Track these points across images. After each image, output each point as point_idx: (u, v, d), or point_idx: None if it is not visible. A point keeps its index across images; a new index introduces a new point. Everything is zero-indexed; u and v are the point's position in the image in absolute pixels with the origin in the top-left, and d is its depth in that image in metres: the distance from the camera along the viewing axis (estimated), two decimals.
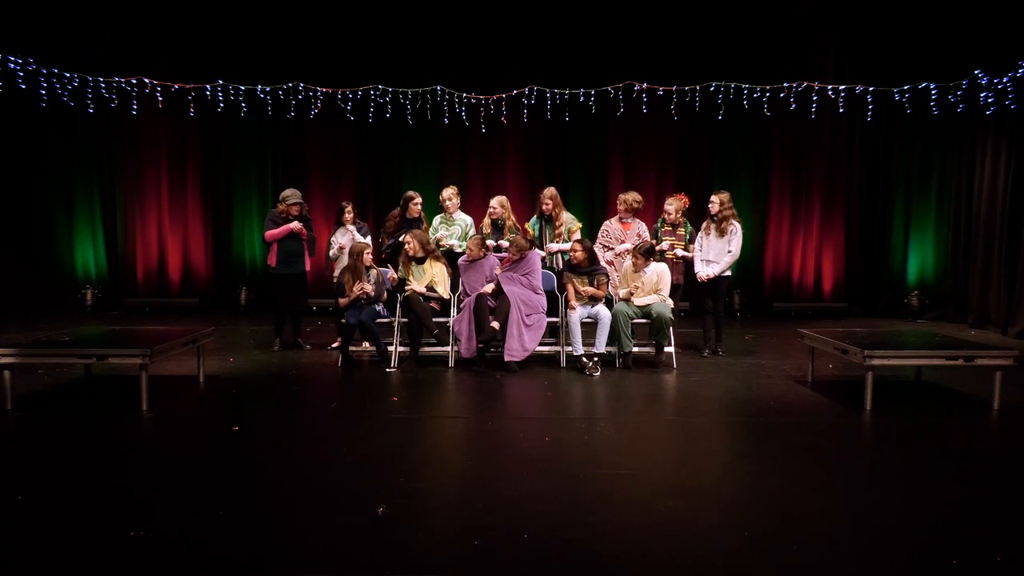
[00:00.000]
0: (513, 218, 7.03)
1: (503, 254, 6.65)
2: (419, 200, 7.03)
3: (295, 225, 6.90)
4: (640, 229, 6.95)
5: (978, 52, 8.69)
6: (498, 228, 6.93)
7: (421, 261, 6.61)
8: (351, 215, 7.12)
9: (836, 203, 9.95)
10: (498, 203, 6.93)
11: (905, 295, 9.73)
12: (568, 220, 6.98)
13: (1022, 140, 8.14)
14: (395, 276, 6.71)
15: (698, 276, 6.81)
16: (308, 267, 7.22)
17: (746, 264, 9.69)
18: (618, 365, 6.30)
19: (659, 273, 6.36)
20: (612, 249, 6.93)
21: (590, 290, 6.29)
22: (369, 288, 6.36)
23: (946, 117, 9.25)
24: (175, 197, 10.06)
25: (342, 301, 6.45)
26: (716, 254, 6.75)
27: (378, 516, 3.15)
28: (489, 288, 6.34)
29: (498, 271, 6.50)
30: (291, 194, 6.98)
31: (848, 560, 2.81)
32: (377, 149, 9.99)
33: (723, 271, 6.75)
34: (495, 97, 9.58)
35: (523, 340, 6.20)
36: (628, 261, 6.49)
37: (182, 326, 6.81)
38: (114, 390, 5.50)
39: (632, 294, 6.32)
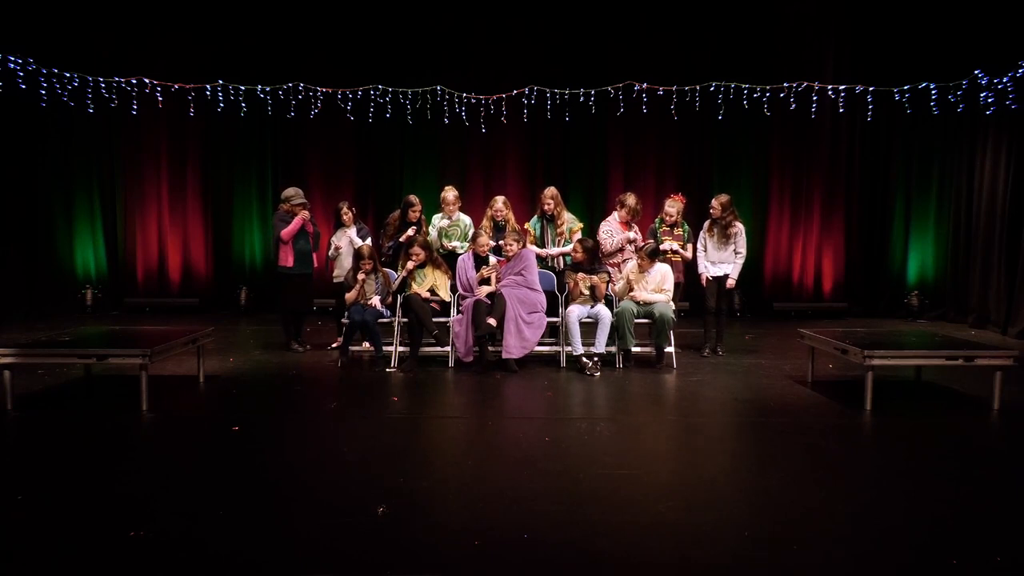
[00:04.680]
0: (513, 219, 6.94)
1: (495, 259, 6.62)
2: (419, 207, 7.01)
3: (304, 214, 6.90)
4: (612, 237, 6.87)
5: (978, 52, 8.67)
6: (500, 229, 6.82)
7: (422, 266, 6.61)
8: (349, 216, 7.12)
9: (836, 203, 9.94)
10: (503, 203, 6.86)
11: (905, 295, 9.73)
12: (570, 220, 6.96)
13: (1022, 140, 8.13)
14: (417, 290, 6.54)
15: (701, 276, 6.85)
16: (316, 264, 7.23)
17: (746, 264, 9.61)
18: (619, 364, 6.30)
19: (663, 274, 6.37)
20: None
21: (593, 279, 6.27)
22: (375, 301, 6.39)
23: (946, 117, 9.24)
24: (175, 197, 10.05)
25: (348, 296, 6.46)
26: (723, 256, 6.78)
27: (378, 516, 3.15)
28: (487, 289, 6.34)
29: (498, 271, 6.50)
30: (294, 193, 6.97)
31: (848, 560, 2.81)
32: (377, 149, 9.99)
33: (737, 273, 6.83)
34: (495, 97, 9.57)
35: (522, 337, 6.17)
36: (633, 262, 6.50)
37: (182, 326, 6.80)
38: (114, 390, 5.50)
39: (634, 290, 6.32)
